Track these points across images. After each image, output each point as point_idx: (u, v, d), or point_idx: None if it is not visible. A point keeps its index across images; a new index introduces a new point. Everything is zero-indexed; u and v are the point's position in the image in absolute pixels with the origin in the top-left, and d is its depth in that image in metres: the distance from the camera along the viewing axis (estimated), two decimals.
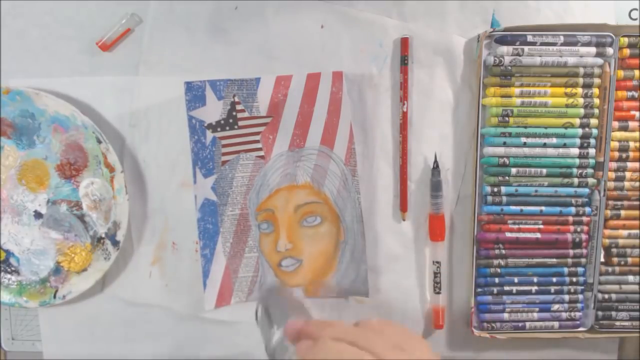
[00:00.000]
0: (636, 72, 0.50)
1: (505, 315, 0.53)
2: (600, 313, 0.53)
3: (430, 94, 0.52)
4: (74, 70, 0.53)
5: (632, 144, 0.51)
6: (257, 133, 0.52)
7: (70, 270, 0.54)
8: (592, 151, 0.51)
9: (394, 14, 0.52)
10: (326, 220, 0.53)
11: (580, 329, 0.54)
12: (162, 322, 0.56)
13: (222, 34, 0.52)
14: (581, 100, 0.50)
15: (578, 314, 0.53)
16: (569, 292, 0.53)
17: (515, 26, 0.50)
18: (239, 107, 0.52)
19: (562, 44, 0.50)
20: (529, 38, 0.49)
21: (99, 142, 0.51)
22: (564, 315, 0.53)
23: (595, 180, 0.52)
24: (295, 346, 0.35)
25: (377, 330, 0.34)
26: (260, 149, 0.53)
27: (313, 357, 0.33)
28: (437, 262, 0.53)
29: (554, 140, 0.51)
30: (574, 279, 0.53)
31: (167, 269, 0.55)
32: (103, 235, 0.53)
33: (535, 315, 0.53)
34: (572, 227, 0.52)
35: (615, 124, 0.51)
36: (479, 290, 0.53)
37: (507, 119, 0.51)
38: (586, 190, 0.52)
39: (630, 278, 0.53)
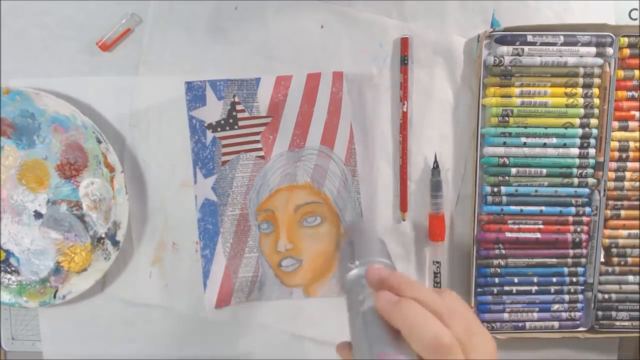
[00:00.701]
0: (636, 72, 0.50)
1: (505, 315, 0.53)
2: (600, 313, 0.53)
3: (430, 94, 0.52)
4: (74, 70, 0.53)
5: (632, 144, 0.51)
6: (257, 133, 0.52)
7: (70, 270, 0.54)
8: (592, 151, 0.51)
9: (394, 14, 0.52)
10: (326, 220, 0.53)
11: (580, 329, 0.54)
12: (162, 322, 0.56)
13: (222, 34, 0.52)
14: (581, 100, 0.50)
15: (578, 314, 0.53)
16: (569, 292, 0.53)
17: (515, 26, 0.50)
18: (239, 107, 0.52)
19: (562, 44, 0.50)
20: (529, 38, 0.49)
21: (99, 142, 0.51)
22: (564, 315, 0.53)
23: (595, 180, 0.52)
24: (376, 294, 0.32)
25: (455, 306, 0.33)
26: (260, 149, 0.53)
27: (394, 314, 0.30)
28: (437, 262, 0.53)
29: (554, 140, 0.51)
30: (574, 279, 0.53)
31: (167, 269, 0.55)
32: (103, 235, 0.53)
33: (535, 315, 0.53)
34: (572, 227, 0.52)
35: (615, 124, 0.51)
36: (479, 290, 0.53)
37: (507, 119, 0.51)
38: (586, 190, 0.52)
39: (630, 278, 0.53)
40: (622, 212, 0.52)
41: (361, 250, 0.37)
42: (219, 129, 0.52)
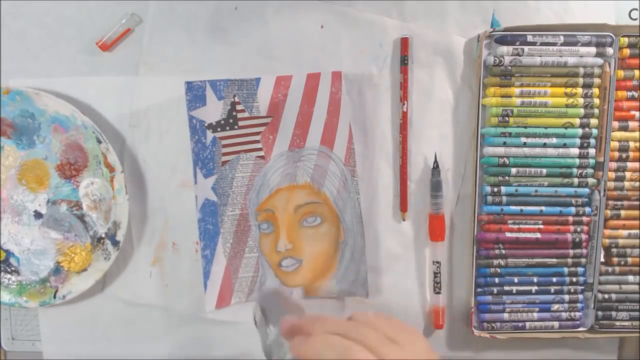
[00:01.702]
0: (636, 72, 0.50)
1: (505, 315, 0.53)
2: (600, 313, 0.53)
3: (430, 94, 0.52)
4: (74, 70, 0.53)
5: (632, 144, 0.51)
6: (257, 133, 0.52)
7: (70, 270, 0.54)
8: (592, 151, 0.51)
9: (394, 14, 0.52)
10: (326, 220, 0.53)
11: (580, 329, 0.54)
12: (162, 322, 0.56)
13: (222, 34, 0.52)
14: (581, 100, 0.50)
15: (578, 314, 0.53)
16: (569, 292, 0.53)
17: (515, 26, 0.50)
18: (239, 107, 0.52)
19: (562, 44, 0.50)
20: (529, 38, 0.49)
21: (99, 142, 0.51)
22: (564, 315, 0.53)
23: (595, 180, 0.52)
24: (289, 342, 0.35)
25: (370, 323, 0.35)
26: (260, 149, 0.53)
27: (306, 352, 0.33)
28: (437, 262, 0.53)
29: (554, 140, 0.51)
30: (574, 279, 0.53)
31: (167, 269, 0.55)
32: (103, 235, 0.53)
33: (535, 315, 0.53)
34: (572, 227, 0.52)
35: (615, 124, 0.51)
36: (479, 290, 0.53)
37: (507, 119, 0.51)
38: (586, 190, 0.52)
39: (630, 278, 0.53)
40: (622, 212, 0.52)
41: (274, 314, 0.40)
42: (219, 129, 0.52)
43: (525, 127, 0.51)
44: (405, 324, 0.36)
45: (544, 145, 0.51)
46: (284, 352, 0.36)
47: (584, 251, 0.52)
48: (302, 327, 0.36)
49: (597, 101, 0.50)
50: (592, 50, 0.50)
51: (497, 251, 0.52)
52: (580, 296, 0.53)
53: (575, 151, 0.51)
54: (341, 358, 0.31)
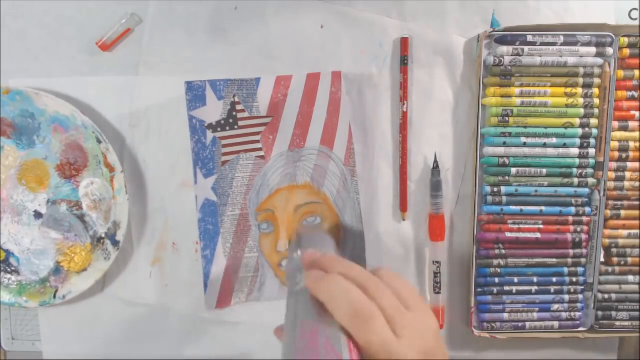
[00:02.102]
0: (636, 72, 0.50)
1: (505, 315, 0.53)
2: (600, 313, 0.53)
3: (430, 94, 0.52)
4: (74, 70, 0.53)
5: (632, 144, 0.51)
6: (257, 133, 0.52)
7: (70, 270, 0.54)
8: (592, 151, 0.51)
9: (394, 14, 0.52)
10: (326, 220, 0.53)
11: (580, 329, 0.54)
12: (162, 322, 0.56)
13: (222, 34, 0.52)
14: (581, 100, 0.50)
15: (578, 314, 0.53)
16: (569, 292, 0.53)
17: (515, 26, 0.50)
18: (239, 107, 0.52)
19: (562, 44, 0.50)
20: (529, 38, 0.49)
21: (99, 142, 0.51)
22: (564, 315, 0.53)
23: (595, 180, 0.52)
24: (306, 272, 0.34)
25: (392, 284, 0.33)
26: (260, 149, 0.53)
27: (319, 287, 0.31)
28: (437, 262, 0.53)
29: (554, 140, 0.51)
30: (574, 279, 0.53)
31: (167, 269, 0.55)
32: (103, 235, 0.53)
33: (535, 315, 0.53)
34: (572, 227, 0.52)
35: (615, 124, 0.51)
36: (479, 290, 0.53)
37: (507, 119, 0.51)
38: (586, 190, 0.52)
39: (630, 278, 0.53)
40: (622, 212, 0.52)
41: (305, 242, 0.40)
42: (219, 129, 0.52)
43: (525, 127, 0.51)
44: (421, 296, 0.34)
45: (544, 145, 0.51)
46: (300, 279, 0.35)
47: (584, 251, 0.52)
48: (323, 263, 0.34)
49: (597, 101, 0.50)
50: (592, 50, 0.50)
51: (497, 251, 0.52)
52: (580, 296, 0.53)
53: (575, 151, 0.51)
54: (351, 308, 0.29)
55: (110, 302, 0.56)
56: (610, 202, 0.52)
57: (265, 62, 0.52)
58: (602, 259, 0.53)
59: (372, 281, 0.32)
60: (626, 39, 0.50)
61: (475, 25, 0.52)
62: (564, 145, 0.51)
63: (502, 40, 0.50)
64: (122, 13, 0.51)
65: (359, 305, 0.30)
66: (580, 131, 0.51)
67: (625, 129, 0.51)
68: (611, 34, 0.49)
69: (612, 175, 0.52)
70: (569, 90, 0.50)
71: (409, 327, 0.30)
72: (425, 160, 0.53)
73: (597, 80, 0.50)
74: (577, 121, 0.51)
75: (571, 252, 0.52)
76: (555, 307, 0.53)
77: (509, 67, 0.50)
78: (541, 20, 0.51)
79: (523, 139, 0.51)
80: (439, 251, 0.53)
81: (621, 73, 0.50)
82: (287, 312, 0.34)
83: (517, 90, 0.50)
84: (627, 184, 0.52)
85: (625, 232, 0.52)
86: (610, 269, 0.53)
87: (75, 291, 0.54)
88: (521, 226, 0.52)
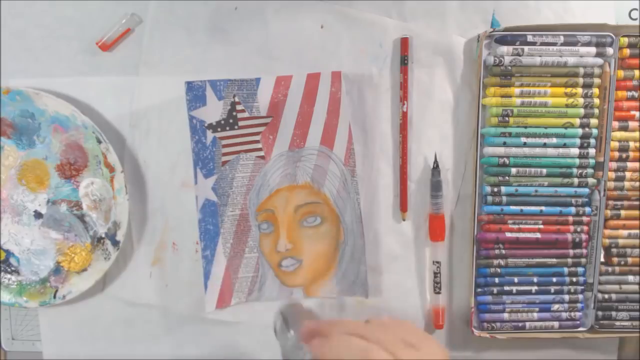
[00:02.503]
0: (636, 72, 0.50)
1: (505, 315, 0.53)
2: (600, 313, 0.53)
3: (430, 94, 0.52)
4: (74, 70, 0.53)
5: (632, 144, 0.51)
6: (257, 133, 0.52)
7: (70, 270, 0.54)
8: (592, 151, 0.51)
9: (394, 14, 0.52)
10: (326, 220, 0.53)
11: (580, 329, 0.54)
12: (162, 322, 0.56)
13: (222, 34, 0.52)
14: (581, 100, 0.50)
15: (578, 314, 0.53)
16: (569, 292, 0.53)
17: (515, 26, 0.50)
18: (239, 107, 0.52)
19: (562, 44, 0.50)
20: (529, 38, 0.49)
21: (99, 142, 0.51)
22: (564, 315, 0.53)
23: (595, 180, 0.52)
24: (309, 345, 0.36)
25: (387, 326, 0.35)
26: (260, 149, 0.53)
27: (325, 352, 0.33)
28: (437, 262, 0.53)
29: (554, 140, 0.51)
30: (574, 279, 0.53)
31: (167, 269, 0.55)
32: (103, 235, 0.53)
33: (535, 315, 0.53)
34: (572, 227, 0.52)
35: (615, 124, 0.51)
36: (479, 290, 0.53)
37: (507, 119, 0.51)
38: (586, 190, 0.52)
39: (630, 278, 0.53)
40: (622, 212, 0.52)
41: (294, 321, 0.42)
42: (219, 129, 0.52)
43: (525, 127, 0.51)
44: (419, 328, 0.36)
45: (544, 145, 0.51)
46: (303, 353, 0.37)
47: (584, 251, 0.52)
48: (322, 330, 0.36)
49: (597, 101, 0.50)
50: (592, 50, 0.50)
51: (497, 251, 0.52)
52: (580, 296, 0.53)
53: (575, 151, 0.51)
54: (360, 358, 0.32)
55: (110, 302, 0.56)
56: (610, 202, 0.52)
57: (265, 62, 0.52)
58: (602, 259, 0.53)
59: (371, 330, 0.35)
60: (626, 39, 0.50)
61: (475, 25, 0.52)
62: (564, 145, 0.51)
63: (502, 40, 0.50)
64: (122, 13, 0.51)
65: (365, 353, 0.32)
66: (580, 131, 0.51)
67: (625, 129, 0.51)
68: (611, 34, 0.49)
69: (612, 175, 0.52)
70: (569, 90, 0.50)
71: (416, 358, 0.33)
72: (425, 160, 0.53)
73: (597, 80, 0.50)
74: (577, 121, 0.51)
75: (571, 252, 0.52)
76: (555, 307, 0.53)
77: (509, 67, 0.50)
78: (541, 20, 0.51)
79: (523, 139, 0.51)
80: (439, 251, 0.53)
81: (621, 73, 0.50)
82: None
83: (517, 90, 0.50)
84: (627, 184, 0.52)
85: (625, 232, 0.52)
86: (610, 269, 0.53)
87: (75, 291, 0.54)
88: (521, 226, 0.52)
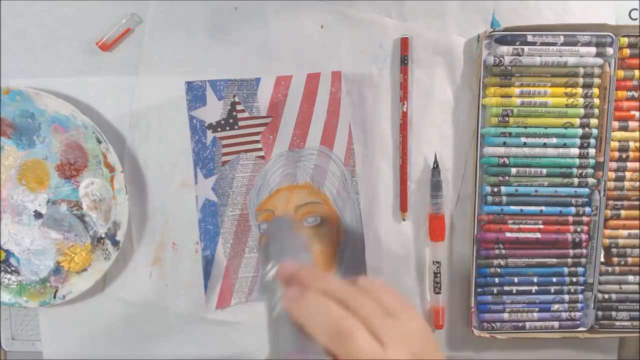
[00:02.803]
0: (636, 72, 0.50)
1: (505, 315, 0.53)
2: (600, 313, 0.53)
3: (430, 94, 0.52)
4: (74, 70, 0.53)
5: (632, 144, 0.51)
6: (257, 133, 0.52)
7: (70, 270, 0.54)
8: (592, 151, 0.51)
9: (394, 14, 0.52)
10: (326, 220, 0.53)
11: (580, 329, 0.54)
12: (162, 322, 0.56)
13: (222, 34, 0.52)
14: (581, 100, 0.50)
15: (578, 314, 0.53)
16: (569, 292, 0.53)
17: (515, 26, 0.50)
18: (239, 107, 0.52)
19: (562, 44, 0.50)
20: (529, 38, 0.49)
21: (99, 142, 0.51)
22: (564, 315, 0.53)
23: (595, 180, 0.52)
24: (283, 294, 0.32)
25: (373, 292, 0.32)
26: (260, 149, 0.53)
27: (297, 308, 0.30)
28: (437, 262, 0.53)
29: (554, 140, 0.51)
30: (574, 279, 0.53)
31: (167, 269, 0.55)
32: (103, 235, 0.53)
33: (535, 315, 0.53)
34: (572, 227, 0.52)
35: (615, 124, 0.51)
36: (479, 290, 0.53)
37: (507, 119, 0.51)
38: (586, 190, 0.52)
39: (630, 278, 0.53)
40: (622, 212, 0.52)
41: (278, 250, 0.36)
42: (219, 129, 0.52)
43: (525, 127, 0.51)
44: (403, 298, 0.34)
45: (544, 145, 0.51)
46: (276, 300, 0.32)
47: (584, 251, 0.52)
48: (301, 278, 0.33)
49: (597, 101, 0.50)
50: (592, 50, 0.50)
51: (497, 251, 0.52)
52: (580, 296, 0.53)
53: (575, 151, 0.51)
54: (330, 327, 0.29)
55: (110, 302, 0.56)
56: (610, 202, 0.52)
57: (265, 62, 0.52)
58: (602, 259, 0.53)
59: (350, 293, 0.31)
60: (626, 39, 0.50)
61: (475, 25, 0.52)
62: (564, 145, 0.51)
63: (502, 40, 0.50)
64: (122, 13, 0.51)
65: (338, 322, 0.29)
66: (580, 131, 0.51)
67: (625, 129, 0.51)
68: (611, 34, 0.49)
69: (612, 175, 0.52)
70: (569, 90, 0.50)
71: (394, 332, 0.30)
72: (425, 160, 0.53)
73: (597, 80, 0.50)
74: (577, 121, 0.51)
75: (571, 252, 0.52)
76: (555, 307, 0.53)
77: (509, 67, 0.50)
78: (541, 20, 0.51)
79: (523, 139, 0.51)
80: (439, 251, 0.53)
81: (621, 73, 0.50)
82: (269, 344, 0.32)
83: (517, 90, 0.50)
84: (627, 184, 0.52)
85: (625, 232, 0.52)
86: (610, 269, 0.53)
87: (75, 291, 0.54)
88: (521, 226, 0.52)
